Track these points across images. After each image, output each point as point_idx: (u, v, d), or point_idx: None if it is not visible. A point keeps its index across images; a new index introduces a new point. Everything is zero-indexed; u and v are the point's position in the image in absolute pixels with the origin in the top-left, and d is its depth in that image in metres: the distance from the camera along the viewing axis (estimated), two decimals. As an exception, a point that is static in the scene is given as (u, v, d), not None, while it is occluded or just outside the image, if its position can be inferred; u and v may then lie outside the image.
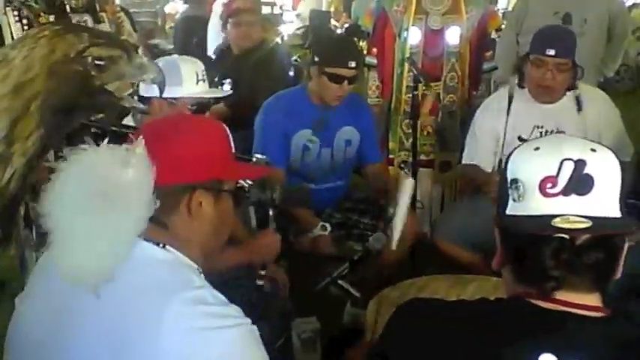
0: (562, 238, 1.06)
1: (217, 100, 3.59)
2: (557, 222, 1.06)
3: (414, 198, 3.15)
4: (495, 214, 1.19)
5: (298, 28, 9.51)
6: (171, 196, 1.19)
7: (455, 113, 3.56)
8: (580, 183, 1.07)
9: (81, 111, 1.24)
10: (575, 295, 1.09)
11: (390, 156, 3.62)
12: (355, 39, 5.81)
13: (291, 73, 4.80)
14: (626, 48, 4.34)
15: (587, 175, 1.08)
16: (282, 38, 7.40)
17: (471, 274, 2.50)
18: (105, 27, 3.51)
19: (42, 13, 3.25)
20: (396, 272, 2.75)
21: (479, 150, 2.95)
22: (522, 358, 1.05)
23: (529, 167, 1.12)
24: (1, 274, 3.04)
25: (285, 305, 2.32)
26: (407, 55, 3.43)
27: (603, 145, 1.14)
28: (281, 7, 9.93)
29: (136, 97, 2.35)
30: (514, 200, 1.13)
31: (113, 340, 1.10)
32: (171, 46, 5.98)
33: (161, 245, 1.19)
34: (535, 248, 1.08)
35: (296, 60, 6.29)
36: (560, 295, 1.09)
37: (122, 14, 3.94)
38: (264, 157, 2.30)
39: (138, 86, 2.36)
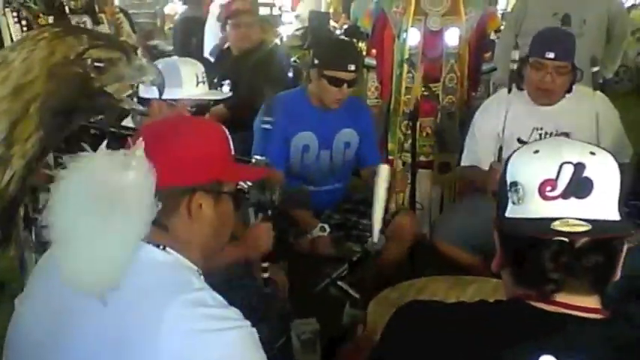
0: (561, 241, 1.07)
1: (217, 101, 3.59)
2: (556, 225, 1.06)
3: (412, 199, 3.16)
4: (495, 217, 1.19)
5: (297, 29, 9.51)
6: (171, 198, 1.19)
7: (454, 114, 3.56)
8: (579, 186, 1.08)
9: (80, 113, 1.24)
10: (574, 297, 1.09)
11: (389, 157, 3.62)
12: (354, 40, 5.83)
13: (290, 74, 4.80)
14: (625, 49, 4.35)
15: (586, 178, 1.08)
16: (281, 39, 7.41)
17: (470, 275, 2.50)
18: (104, 28, 3.51)
19: (41, 14, 3.24)
20: (395, 273, 2.76)
21: (478, 152, 2.95)
22: (522, 359, 1.05)
23: (529, 170, 1.12)
24: (0, 275, 3.04)
25: (284, 306, 2.32)
26: (406, 56, 3.43)
27: (602, 148, 1.15)
28: (280, 8, 9.94)
29: (135, 99, 2.34)
30: (513, 203, 1.13)
31: (113, 341, 1.10)
32: (171, 47, 5.99)
33: (161, 247, 1.19)
34: (534, 251, 1.08)
35: (295, 61, 6.30)
36: (560, 298, 1.09)
37: (121, 15, 3.94)
38: (263, 158, 2.30)
39: (137, 87, 2.36)
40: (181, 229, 1.22)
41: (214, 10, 5.16)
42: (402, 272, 2.78)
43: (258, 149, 2.77)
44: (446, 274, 2.48)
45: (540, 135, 2.85)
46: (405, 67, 3.42)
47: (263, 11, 7.92)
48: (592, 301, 1.10)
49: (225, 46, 4.33)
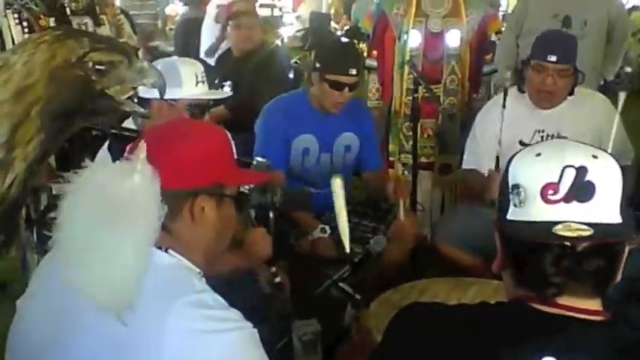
0: (563, 245, 1.06)
1: (217, 102, 3.60)
2: (558, 229, 1.06)
3: (414, 200, 3.15)
4: (496, 218, 1.19)
5: (298, 31, 9.52)
6: (174, 201, 1.19)
7: (455, 116, 3.56)
8: (581, 190, 1.07)
9: (81, 116, 1.24)
10: (575, 300, 1.09)
11: (390, 158, 3.63)
12: (355, 41, 5.83)
13: (291, 76, 4.81)
14: (625, 51, 4.35)
15: (588, 182, 1.07)
16: (282, 40, 7.41)
17: (471, 276, 2.50)
18: (105, 29, 3.52)
19: (42, 16, 3.25)
20: (396, 275, 2.76)
21: (479, 154, 2.95)
22: None
23: (531, 173, 1.12)
24: (2, 275, 3.04)
25: (285, 307, 2.32)
26: (407, 57, 3.42)
27: (604, 151, 1.14)
28: (281, 9, 9.94)
29: (135, 99, 2.35)
30: (515, 205, 1.13)
31: (114, 342, 1.10)
32: (172, 49, 5.99)
33: (164, 249, 1.20)
34: (536, 255, 1.08)
35: (296, 62, 6.31)
36: (561, 300, 1.09)
37: (122, 16, 3.96)
38: (264, 160, 2.30)
39: (137, 88, 2.36)
40: (184, 232, 1.23)
41: (211, 10, 5.17)
42: (403, 274, 2.78)
43: (259, 150, 2.77)
44: (447, 276, 2.48)
45: (542, 137, 2.85)
46: (406, 68, 3.42)
47: (264, 12, 7.93)
48: (593, 304, 1.10)
49: (226, 47, 4.34)
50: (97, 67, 1.20)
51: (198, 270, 1.25)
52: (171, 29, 7.42)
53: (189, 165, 1.22)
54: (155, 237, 1.13)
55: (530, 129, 2.86)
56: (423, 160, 3.52)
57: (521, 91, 2.88)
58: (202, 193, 1.24)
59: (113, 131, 2.01)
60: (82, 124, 1.29)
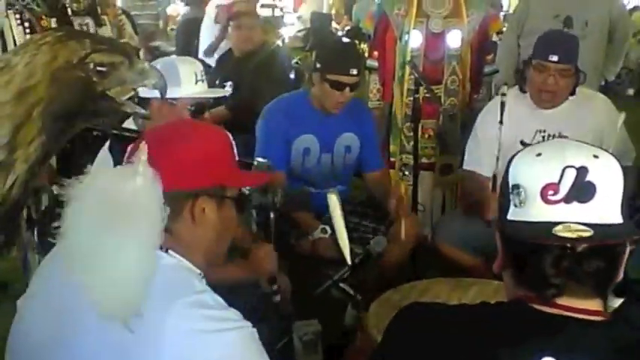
0: (563, 246, 1.06)
1: (218, 103, 3.60)
2: (558, 230, 1.05)
3: (414, 201, 3.15)
4: (497, 219, 1.19)
5: (299, 31, 9.53)
6: (174, 202, 1.19)
7: (456, 116, 3.56)
8: (582, 191, 1.07)
9: (83, 117, 1.24)
10: (575, 300, 1.09)
11: (391, 159, 3.63)
12: (356, 41, 5.83)
13: (292, 76, 4.81)
14: (626, 51, 4.35)
15: (589, 182, 1.07)
16: (282, 41, 7.41)
17: (472, 277, 2.50)
18: (106, 30, 3.51)
19: (44, 16, 3.25)
20: (396, 275, 2.76)
21: (480, 154, 2.96)
22: None
23: (531, 173, 1.11)
24: (3, 275, 3.05)
25: (286, 308, 2.32)
26: (408, 58, 3.42)
27: (605, 151, 1.14)
28: (282, 10, 9.94)
29: (135, 99, 2.35)
30: (515, 206, 1.12)
31: (114, 342, 1.11)
32: (173, 49, 6.00)
33: (164, 250, 1.20)
34: (536, 256, 1.08)
35: (297, 63, 6.31)
36: (561, 301, 1.09)
37: (123, 17, 3.95)
38: (265, 160, 2.30)
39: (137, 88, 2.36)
40: (184, 233, 1.23)
41: (210, 11, 5.18)
42: (403, 274, 2.78)
43: (260, 151, 2.77)
44: (447, 276, 2.48)
45: (543, 137, 2.85)
46: (407, 69, 3.42)
47: (265, 13, 7.94)
48: (593, 304, 1.10)
49: (227, 47, 4.34)
50: (99, 68, 1.21)
51: (198, 271, 1.25)
52: (172, 29, 7.42)
53: (190, 166, 1.22)
54: (160, 239, 1.13)
55: (531, 129, 2.86)
56: (424, 160, 3.52)
57: (522, 91, 2.88)
58: (203, 194, 1.24)
59: (114, 132, 2.02)
60: (83, 125, 1.29)
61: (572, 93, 2.80)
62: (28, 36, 3.16)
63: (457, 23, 3.45)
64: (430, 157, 3.60)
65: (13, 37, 3.20)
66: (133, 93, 2.48)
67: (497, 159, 2.69)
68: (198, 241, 1.26)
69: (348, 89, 2.75)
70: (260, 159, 2.33)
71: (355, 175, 3.18)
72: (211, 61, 4.59)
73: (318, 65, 2.80)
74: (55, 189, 2.79)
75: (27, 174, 1.18)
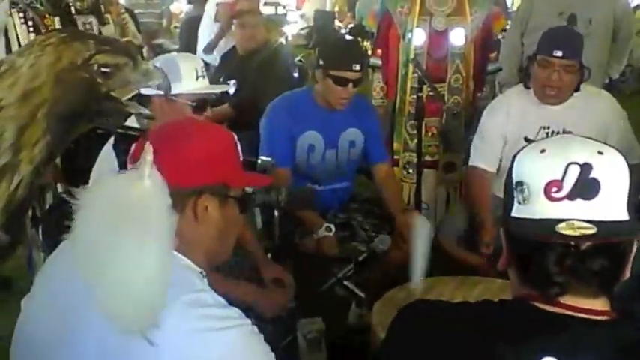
0: (566, 244, 1.05)
1: (221, 101, 3.60)
2: (561, 228, 1.04)
3: (418, 200, 3.15)
4: (501, 216, 1.19)
5: (302, 29, 9.54)
6: (177, 199, 1.18)
7: (459, 114, 3.56)
8: (585, 187, 1.06)
9: (87, 118, 1.25)
10: (580, 299, 1.08)
11: (395, 157, 3.62)
12: (359, 39, 5.83)
13: (295, 74, 4.81)
14: (631, 49, 4.34)
15: (593, 179, 1.06)
16: (286, 38, 7.42)
17: (476, 275, 2.50)
18: (110, 28, 3.52)
19: (47, 15, 3.25)
20: (401, 273, 2.76)
21: (486, 151, 2.96)
22: None
23: (534, 170, 1.10)
24: (8, 272, 3.06)
25: (290, 306, 2.32)
26: (411, 56, 3.42)
27: (611, 147, 1.13)
28: (285, 8, 9.95)
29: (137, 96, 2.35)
30: (519, 203, 1.12)
31: (117, 340, 1.10)
32: (176, 47, 6.00)
33: None
34: (539, 254, 1.07)
35: (300, 60, 6.31)
36: (565, 300, 1.08)
37: (127, 15, 3.95)
38: (269, 159, 2.30)
39: (139, 87, 2.35)
40: (186, 231, 1.22)
41: (209, 9, 5.18)
42: (408, 272, 2.78)
43: (264, 149, 2.78)
44: (451, 275, 2.48)
45: (547, 134, 2.85)
46: (411, 67, 3.42)
47: (268, 11, 7.94)
48: (598, 304, 1.09)
49: (230, 45, 4.35)
50: (103, 69, 1.21)
51: (199, 269, 1.24)
52: (175, 27, 7.44)
53: (194, 163, 1.22)
54: (173, 244, 1.13)
55: (535, 125, 2.86)
56: (428, 158, 3.51)
57: (526, 87, 2.88)
58: (206, 192, 1.24)
59: (119, 130, 2.02)
60: (88, 125, 1.29)
61: (577, 89, 2.80)
62: (31, 34, 3.17)
63: (460, 21, 3.44)
64: (434, 155, 3.59)
65: (17, 35, 3.20)
66: (135, 92, 2.48)
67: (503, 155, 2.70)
68: (200, 240, 1.25)
69: (351, 85, 2.75)
70: (264, 157, 2.33)
71: (361, 173, 3.18)
72: (210, 59, 4.60)
73: (321, 62, 2.81)
74: (59, 187, 2.80)
75: (32, 175, 1.18)
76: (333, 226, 2.79)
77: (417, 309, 1.22)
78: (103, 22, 3.47)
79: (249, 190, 1.45)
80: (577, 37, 2.83)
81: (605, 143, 1.14)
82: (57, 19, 3.27)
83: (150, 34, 5.84)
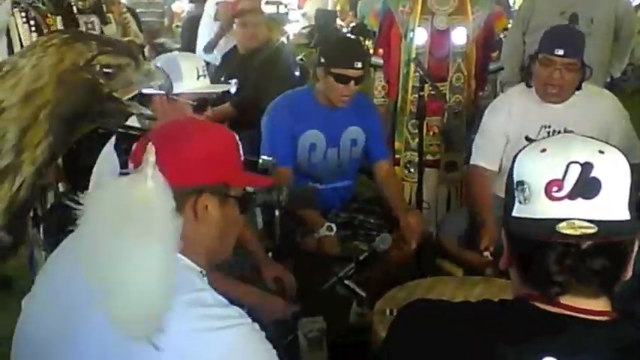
0: (567, 243, 1.05)
1: (223, 100, 3.60)
2: (562, 227, 1.04)
3: (419, 199, 3.16)
4: (502, 215, 1.19)
5: (304, 27, 9.54)
6: (177, 198, 1.18)
7: (461, 113, 3.56)
8: (586, 187, 1.06)
9: (89, 118, 1.25)
10: (580, 299, 1.08)
11: (396, 156, 3.63)
12: (361, 38, 5.83)
13: (297, 73, 4.82)
14: (632, 48, 4.34)
15: (593, 178, 1.06)
16: (287, 37, 7.42)
17: (476, 274, 2.50)
18: (111, 28, 3.51)
19: (49, 14, 3.25)
20: (402, 272, 2.76)
21: (487, 150, 2.96)
22: None
23: (535, 169, 1.10)
24: (9, 271, 3.06)
25: (291, 305, 2.32)
26: (413, 55, 3.43)
27: (612, 146, 1.12)
28: (286, 7, 9.95)
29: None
30: (520, 202, 1.12)
31: (117, 340, 1.10)
32: (178, 46, 6.01)
33: None
34: (539, 253, 1.07)
35: (301, 59, 6.31)
36: (565, 300, 1.08)
37: (128, 15, 3.95)
38: (270, 158, 2.30)
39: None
40: (186, 230, 1.21)
41: (209, 8, 5.18)
42: (408, 271, 2.78)
43: (266, 147, 2.78)
44: (452, 274, 2.48)
45: (548, 133, 2.85)
46: (412, 66, 3.42)
47: (269, 9, 7.94)
48: (598, 304, 1.09)
49: (231, 45, 4.35)
50: (105, 70, 1.21)
51: (199, 269, 1.24)
52: (177, 26, 7.45)
53: (194, 163, 1.22)
54: (177, 247, 1.12)
55: (536, 124, 2.86)
56: (429, 157, 3.51)
57: (528, 85, 2.88)
58: (206, 190, 1.24)
59: (120, 130, 2.02)
60: (90, 126, 1.30)
61: (579, 88, 2.80)
62: (33, 34, 3.17)
63: (462, 20, 3.45)
64: (435, 154, 3.60)
65: (19, 35, 3.20)
66: (136, 92, 2.48)
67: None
68: (201, 239, 1.25)
69: (352, 82, 2.75)
70: (265, 157, 2.33)
71: (362, 173, 3.18)
72: (210, 58, 4.59)
73: (322, 60, 2.81)
74: (60, 186, 2.80)
75: (34, 176, 1.18)
76: (334, 226, 2.79)
77: (417, 308, 1.22)
78: (104, 21, 3.47)
79: (250, 189, 1.45)
80: (579, 36, 2.83)
81: (606, 142, 1.14)
82: (59, 18, 3.26)
83: (151, 33, 5.84)
